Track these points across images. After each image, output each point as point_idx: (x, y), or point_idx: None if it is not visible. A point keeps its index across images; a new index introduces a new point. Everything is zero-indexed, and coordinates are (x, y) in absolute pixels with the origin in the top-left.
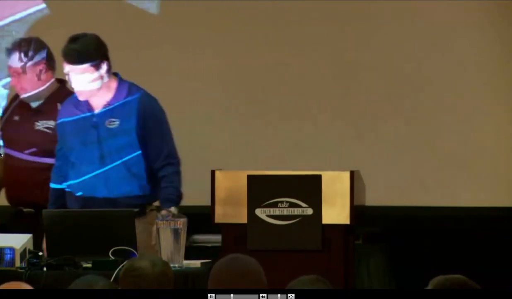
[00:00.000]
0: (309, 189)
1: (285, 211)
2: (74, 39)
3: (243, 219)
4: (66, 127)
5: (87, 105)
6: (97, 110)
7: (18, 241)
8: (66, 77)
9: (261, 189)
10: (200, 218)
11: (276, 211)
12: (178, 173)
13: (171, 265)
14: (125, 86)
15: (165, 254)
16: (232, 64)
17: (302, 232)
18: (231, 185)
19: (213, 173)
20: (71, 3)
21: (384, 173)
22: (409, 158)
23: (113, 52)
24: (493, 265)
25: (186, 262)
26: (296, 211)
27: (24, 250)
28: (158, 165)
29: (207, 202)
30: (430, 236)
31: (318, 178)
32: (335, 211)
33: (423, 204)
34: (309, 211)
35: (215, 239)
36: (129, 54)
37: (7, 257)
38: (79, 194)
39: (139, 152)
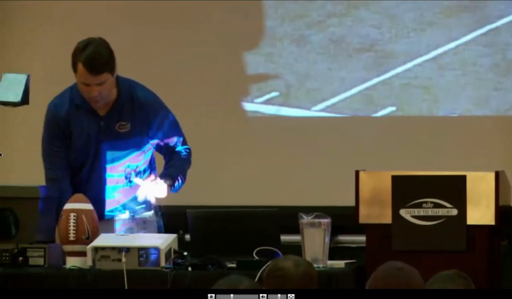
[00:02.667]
0: (454, 189)
1: (430, 212)
2: (96, 49)
3: (387, 219)
4: (67, 131)
5: (89, 109)
6: (102, 113)
7: (163, 241)
8: (80, 84)
9: (405, 189)
10: (344, 219)
11: (421, 212)
12: (188, 162)
13: (315, 265)
14: (126, 86)
15: (309, 254)
16: None
17: (446, 233)
18: (376, 185)
19: (357, 173)
20: None
21: None
22: None
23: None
24: None
25: (330, 263)
26: (441, 212)
27: (169, 250)
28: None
29: (351, 203)
30: None
31: (463, 178)
32: (480, 212)
33: None
34: (454, 212)
35: (359, 239)
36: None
37: (152, 257)
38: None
39: (152, 150)
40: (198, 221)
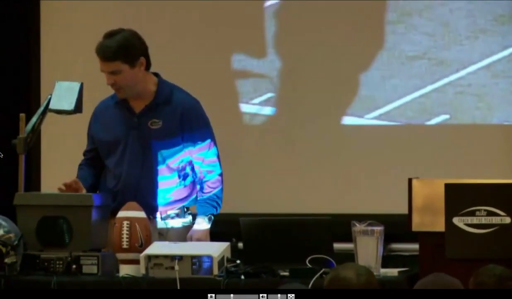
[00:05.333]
0: (508, 197)
1: (483, 220)
2: (109, 35)
3: (440, 227)
4: (102, 129)
5: (126, 106)
6: (137, 111)
7: (216, 249)
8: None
9: (458, 197)
10: (397, 226)
11: (474, 220)
12: (220, 182)
13: None
14: (167, 87)
15: (362, 263)
16: None
17: (500, 241)
18: (429, 193)
19: (410, 181)
20: None
21: None
22: None
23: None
24: None
25: (383, 271)
26: (494, 220)
27: (222, 258)
28: (203, 167)
29: (404, 210)
30: None
31: None
32: None
33: None
34: (507, 220)
35: (413, 247)
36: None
37: (205, 265)
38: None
39: (183, 151)
40: (251, 229)
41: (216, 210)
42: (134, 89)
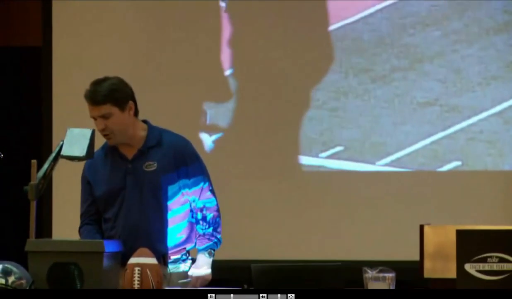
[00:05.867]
0: None
1: (495, 266)
2: (96, 83)
3: (452, 273)
4: (98, 184)
5: (118, 154)
6: (130, 156)
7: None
8: (95, 124)
9: (470, 244)
10: (409, 273)
11: (486, 266)
12: (218, 216)
13: None
14: (156, 131)
15: None
16: None
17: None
18: (440, 240)
19: (421, 228)
20: None
21: None
22: None
23: None
24: None
25: None
26: (506, 266)
27: None
28: (199, 204)
29: (416, 257)
30: None
31: None
32: None
33: None
34: None
35: None
36: None
37: None
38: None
39: (180, 192)
40: (262, 275)
41: (216, 245)
42: (125, 134)
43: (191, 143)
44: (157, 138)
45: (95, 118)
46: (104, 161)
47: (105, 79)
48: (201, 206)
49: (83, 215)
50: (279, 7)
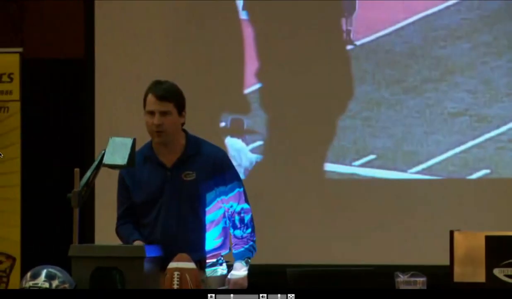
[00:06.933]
0: None
1: None
2: (160, 82)
3: (481, 278)
4: (137, 190)
5: (157, 162)
6: (170, 165)
7: None
8: (147, 117)
9: (499, 249)
10: (439, 277)
11: None
12: (252, 226)
13: None
14: (195, 140)
15: None
16: None
17: None
18: (470, 245)
19: (452, 234)
20: None
21: None
22: None
23: None
24: None
25: None
26: None
27: None
28: (237, 208)
29: (446, 262)
30: None
31: None
32: None
33: None
34: None
35: None
36: None
37: None
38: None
39: (216, 200)
40: (297, 279)
41: (252, 253)
42: (173, 136)
43: (227, 153)
44: (196, 148)
45: (152, 113)
46: (143, 166)
47: (167, 81)
48: (239, 209)
49: (120, 218)
50: (314, 20)
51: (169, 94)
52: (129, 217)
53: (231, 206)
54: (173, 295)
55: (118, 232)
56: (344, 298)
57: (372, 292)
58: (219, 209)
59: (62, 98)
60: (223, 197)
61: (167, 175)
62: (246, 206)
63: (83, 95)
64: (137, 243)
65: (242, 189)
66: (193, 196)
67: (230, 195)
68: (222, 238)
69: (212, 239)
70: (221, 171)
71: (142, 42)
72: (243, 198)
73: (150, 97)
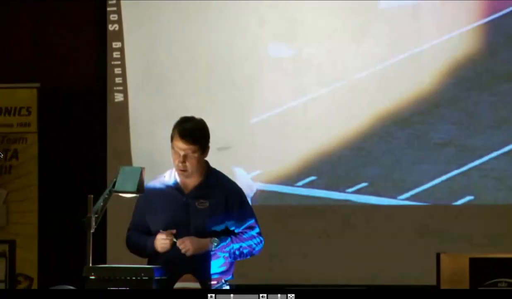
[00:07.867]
0: None
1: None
2: (188, 120)
3: None
4: (153, 214)
5: (177, 187)
6: (187, 191)
7: None
8: (173, 151)
9: (482, 270)
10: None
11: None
12: (260, 240)
13: None
14: (214, 172)
15: None
16: None
17: None
18: (455, 266)
19: (438, 256)
20: None
21: None
22: None
23: None
24: None
25: None
26: None
27: None
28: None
29: (433, 282)
30: None
31: None
32: None
33: None
34: None
35: None
36: None
37: None
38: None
39: (225, 229)
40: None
41: (240, 255)
42: (196, 172)
43: (243, 191)
44: (214, 180)
45: (176, 151)
46: (160, 189)
47: (194, 118)
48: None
49: (130, 230)
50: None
51: (193, 138)
52: (140, 228)
53: (240, 233)
54: (173, 295)
55: (130, 239)
56: (344, 298)
57: (372, 293)
58: (227, 237)
59: (76, 129)
60: (233, 228)
61: (183, 201)
62: (252, 233)
63: (96, 127)
64: (160, 234)
65: (253, 224)
66: (203, 224)
67: (242, 227)
68: (228, 265)
69: (217, 266)
70: (233, 206)
71: (155, 77)
72: (253, 232)
73: (176, 137)
